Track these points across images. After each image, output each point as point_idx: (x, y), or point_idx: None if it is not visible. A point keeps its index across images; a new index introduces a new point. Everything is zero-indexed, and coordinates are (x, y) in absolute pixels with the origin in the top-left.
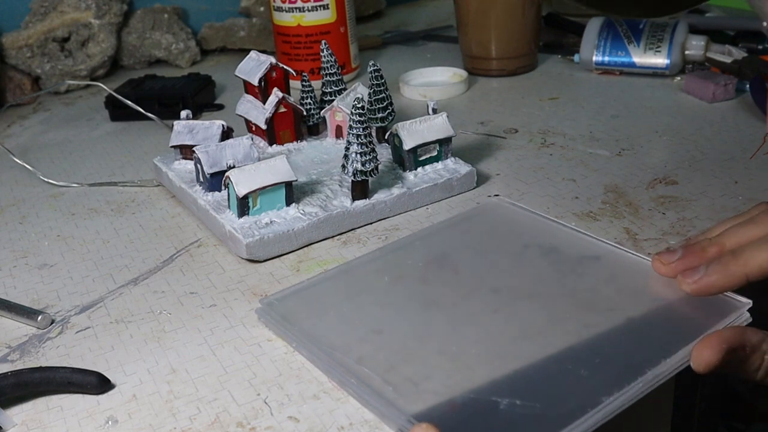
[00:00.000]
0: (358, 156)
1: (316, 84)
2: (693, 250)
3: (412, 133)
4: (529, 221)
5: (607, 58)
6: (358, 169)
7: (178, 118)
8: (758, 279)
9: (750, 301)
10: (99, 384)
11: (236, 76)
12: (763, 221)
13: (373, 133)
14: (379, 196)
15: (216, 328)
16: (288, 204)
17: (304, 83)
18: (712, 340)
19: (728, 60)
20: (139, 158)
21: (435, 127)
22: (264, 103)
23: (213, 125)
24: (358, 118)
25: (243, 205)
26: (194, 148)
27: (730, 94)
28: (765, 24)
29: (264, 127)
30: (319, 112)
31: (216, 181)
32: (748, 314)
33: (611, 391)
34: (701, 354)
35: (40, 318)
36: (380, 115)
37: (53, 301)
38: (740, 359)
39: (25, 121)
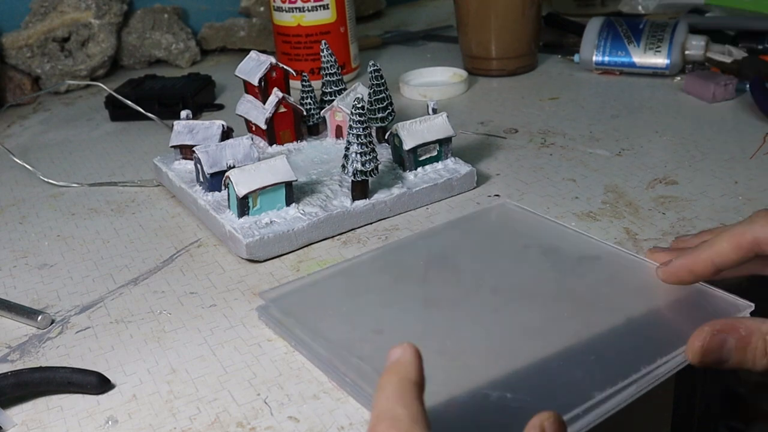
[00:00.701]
0: (358, 156)
1: (316, 84)
2: (678, 244)
3: (412, 133)
4: (529, 221)
5: (607, 58)
6: (358, 169)
7: (178, 118)
8: (724, 265)
9: (752, 305)
10: (99, 384)
11: (236, 76)
12: (755, 220)
13: (373, 133)
14: (379, 196)
15: (216, 328)
16: (288, 204)
17: (304, 83)
18: (702, 327)
19: (728, 60)
20: (139, 158)
21: (435, 127)
22: (264, 103)
23: (213, 125)
24: (358, 118)
25: (243, 205)
26: (194, 148)
27: (730, 94)
28: None
29: (264, 127)
30: (319, 112)
31: (216, 181)
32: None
33: (609, 391)
34: (693, 343)
35: (40, 318)
36: (380, 115)
37: (53, 301)
38: (739, 347)
39: (25, 121)
